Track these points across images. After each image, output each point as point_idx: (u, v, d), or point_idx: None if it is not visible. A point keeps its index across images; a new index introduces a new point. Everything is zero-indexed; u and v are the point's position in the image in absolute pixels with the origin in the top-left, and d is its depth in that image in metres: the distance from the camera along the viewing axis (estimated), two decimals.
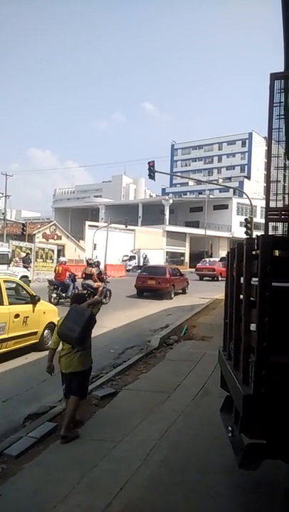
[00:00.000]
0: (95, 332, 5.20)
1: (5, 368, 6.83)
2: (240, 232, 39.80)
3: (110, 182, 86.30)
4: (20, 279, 12.45)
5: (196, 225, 59.09)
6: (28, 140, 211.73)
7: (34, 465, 3.79)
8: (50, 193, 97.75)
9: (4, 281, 7.45)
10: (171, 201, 61.93)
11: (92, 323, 4.65)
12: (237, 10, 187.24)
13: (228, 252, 3.57)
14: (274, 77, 5.77)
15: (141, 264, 40.96)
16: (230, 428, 2.88)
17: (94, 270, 15.15)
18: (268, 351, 2.32)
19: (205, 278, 28.86)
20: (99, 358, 6.17)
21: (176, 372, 6.66)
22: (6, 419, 4.86)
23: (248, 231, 20.55)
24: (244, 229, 21.96)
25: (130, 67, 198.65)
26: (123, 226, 45.05)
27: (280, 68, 7.15)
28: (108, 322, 10.34)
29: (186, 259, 54.27)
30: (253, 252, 2.58)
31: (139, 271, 22.84)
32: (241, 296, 2.74)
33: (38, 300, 8.13)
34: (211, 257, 50.92)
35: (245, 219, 22.29)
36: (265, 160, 8.21)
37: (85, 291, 13.82)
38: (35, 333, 7.97)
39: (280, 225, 6.24)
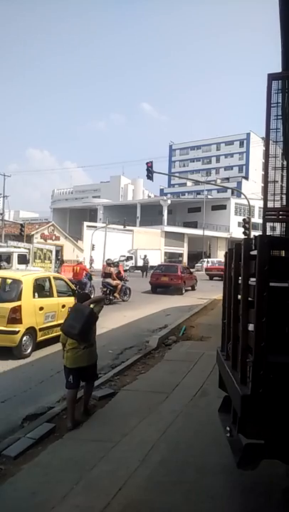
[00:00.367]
0: None
1: (3, 368, 6.82)
2: (238, 233, 39.84)
3: (108, 182, 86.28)
4: None
5: (194, 225, 59.17)
6: (26, 140, 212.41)
7: (32, 466, 3.79)
8: (48, 193, 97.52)
9: (54, 278, 9.14)
10: (169, 202, 62.00)
11: (93, 320, 4.89)
12: (235, 10, 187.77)
13: (226, 253, 3.58)
14: (272, 77, 5.77)
15: (139, 264, 40.90)
16: (228, 428, 2.88)
17: (113, 269, 16.06)
18: (265, 351, 2.33)
19: (215, 278, 29.96)
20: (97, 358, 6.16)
21: (174, 373, 6.66)
22: (5, 420, 4.85)
23: (246, 231, 20.58)
24: (242, 229, 22.00)
25: (129, 67, 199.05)
26: (121, 226, 45.03)
27: (278, 68, 7.17)
28: (107, 323, 10.32)
29: (185, 259, 54.29)
30: (251, 253, 2.59)
31: (137, 270, 24.38)
32: (239, 297, 2.75)
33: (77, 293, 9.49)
34: (210, 257, 51.05)
35: (244, 219, 22.33)
36: (263, 160, 8.22)
37: (105, 289, 15.36)
38: None
39: (277, 225, 6.24)
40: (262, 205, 6.11)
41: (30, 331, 7.69)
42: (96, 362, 5.15)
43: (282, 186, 6.22)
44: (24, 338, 7.50)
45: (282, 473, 3.22)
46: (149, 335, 9.76)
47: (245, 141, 78.20)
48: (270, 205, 5.86)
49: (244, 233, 20.67)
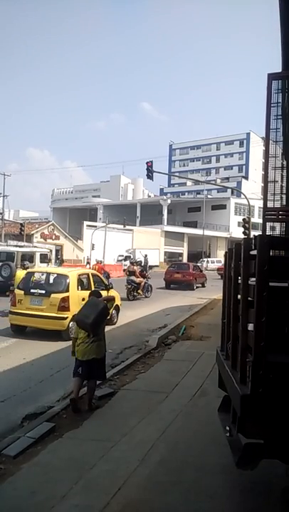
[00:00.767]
0: None
1: (3, 368, 6.83)
2: (238, 233, 39.83)
3: (108, 182, 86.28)
4: None
5: (194, 225, 59.18)
6: (26, 140, 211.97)
7: (32, 465, 3.79)
8: (48, 193, 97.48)
9: (91, 274, 10.77)
10: (169, 201, 62.04)
11: (105, 314, 5.40)
12: (235, 11, 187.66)
13: (225, 252, 3.58)
14: (272, 77, 5.77)
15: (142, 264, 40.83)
16: (228, 428, 2.88)
17: (136, 268, 17.77)
18: (265, 351, 2.33)
19: None
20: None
21: (174, 372, 6.66)
22: (4, 419, 4.85)
23: (246, 231, 20.58)
24: (242, 229, 21.99)
25: (129, 67, 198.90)
26: (121, 226, 45.03)
27: (278, 68, 7.17)
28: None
29: (184, 259, 54.32)
30: (251, 252, 2.59)
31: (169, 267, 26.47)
32: (239, 296, 2.75)
33: (111, 287, 10.85)
34: (209, 257, 51.07)
35: (243, 219, 22.33)
36: (263, 160, 8.21)
37: (129, 286, 16.80)
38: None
39: (277, 225, 6.24)
40: (262, 205, 6.12)
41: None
42: (104, 357, 5.40)
43: (282, 186, 6.22)
44: (71, 323, 8.55)
45: (282, 472, 3.23)
46: (148, 334, 9.76)
47: (245, 141, 78.20)
48: (269, 204, 5.86)
49: (244, 233, 20.67)
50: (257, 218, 35.99)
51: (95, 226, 46.92)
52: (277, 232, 6.22)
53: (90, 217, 62.25)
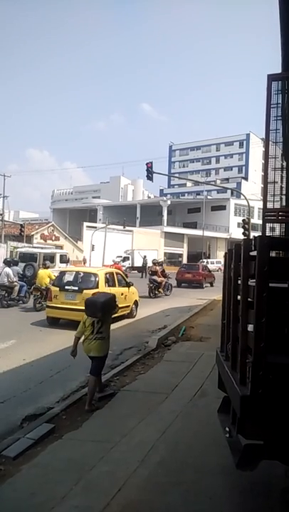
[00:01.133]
0: None
1: (2, 369, 6.82)
2: (237, 233, 39.78)
3: (108, 183, 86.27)
4: None
5: (193, 226, 59.18)
6: (26, 141, 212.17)
7: (32, 466, 3.78)
8: (48, 193, 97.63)
9: (115, 273, 12.19)
10: (169, 202, 61.99)
11: (114, 302, 5.81)
12: (235, 12, 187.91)
13: (225, 253, 3.57)
14: (271, 78, 5.78)
15: (136, 264, 40.77)
16: (227, 429, 2.88)
17: (158, 268, 18.86)
18: (265, 352, 2.33)
19: None
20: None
21: (173, 373, 6.66)
22: (4, 420, 4.85)
23: (246, 232, 20.60)
24: (242, 230, 22.00)
25: (129, 68, 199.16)
26: (121, 227, 44.98)
27: (278, 69, 7.18)
28: None
29: (184, 260, 54.28)
30: (251, 253, 2.59)
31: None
32: (239, 297, 2.75)
33: (132, 285, 12.61)
34: (209, 257, 51.03)
35: (243, 220, 22.36)
36: (263, 161, 8.22)
37: (151, 285, 18.17)
38: (128, 306, 12.33)
39: (277, 226, 6.25)
40: (261, 206, 6.12)
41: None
42: (105, 357, 5.55)
43: (281, 187, 6.23)
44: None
45: (281, 473, 3.23)
46: (148, 335, 9.76)
47: (244, 142, 78.24)
48: (269, 205, 5.87)
49: (244, 234, 20.69)
50: (257, 219, 35.99)
51: (95, 227, 46.87)
52: (277, 233, 6.22)
53: (90, 218, 62.20)
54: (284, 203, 6.30)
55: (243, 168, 78.61)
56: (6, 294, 13.98)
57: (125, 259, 43.80)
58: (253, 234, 17.64)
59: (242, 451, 2.49)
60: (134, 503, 3.19)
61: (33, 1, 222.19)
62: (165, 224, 58.28)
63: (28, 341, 8.91)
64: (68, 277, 11.19)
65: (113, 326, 10.54)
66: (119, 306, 10.49)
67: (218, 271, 27.26)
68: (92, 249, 39.53)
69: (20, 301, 14.32)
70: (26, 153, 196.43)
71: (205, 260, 47.19)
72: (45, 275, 13.46)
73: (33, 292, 13.57)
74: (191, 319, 11.90)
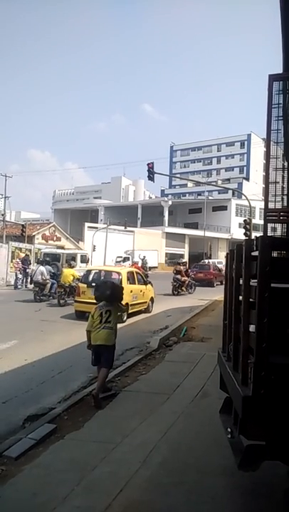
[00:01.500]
0: None
1: (4, 369, 6.83)
2: (239, 234, 39.86)
3: (109, 183, 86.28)
4: None
5: (195, 226, 59.11)
6: (27, 141, 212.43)
7: (33, 466, 3.78)
8: (49, 194, 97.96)
9: (136, 272, 13.82)
10: (170, 202, 61.95)
11: (121, 288, 6.38)
12: (236, 11, 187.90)
13: (227, 254, 3.57)
14: (273, 78, 5.77)
15: (139, 265, 40.74)
16: (229, 429, 2.87)
17: (182, 268, 20.09)
18: (267, 352, 2.33)
19: None
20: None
21: (175, 374, 6.66)
22: (6, 420, 4.86)
23: (247, 232, 20.60)
24: (243, 230, 22.02)
25: (130, 68, 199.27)
26: (122, 227, 44.99)
27: (279, 69, 7.17)
28: None
29: (185, 260, 54.20)
30: (252, 254, 2.59)
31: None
32: (240, 298, 2.74)
33: (149, 283, 14.24)
34: (210, 258, 50.97)
35: (244, 220, 22.36)
36: (264, 161, 8.22)
37: (175, 283, 19.37)
38: (146, 302, 13.71)
39: (278, 226, 6.23)
40: (263, 206, 6.11)
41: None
42: (113, 346, 5.79)
43: (283, 187, 6.21)
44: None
45: (283, 474, 3.21)
46: (150, 336, 9.76)
47: (246, 142, 78.20)
48: (271, 206, 5.85)
49: (245, 234, 20.70)
50: (258, 219, 36.00)
51: (96, 227, 46.85)
52: (279, 233, 6.20)
53: (91, 219, 62.19)
54: (285, 203, 6.28)
55: (244, 168, 78.56)
56: (40, 291, 15.66)
57: (125, 259, 43.80)
58: (255, 234, 17.68)
59: (244, 451, 2.49)
60: (136, 504, 3.19)
61: (34, 1, 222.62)
62: (166, 224, 58.26)
63: (29, 341, 8.92)
64: (94, 275, 12.65)
65: (130, 320, 11.93)
66: (138, 301, 12.84)
67: (219, 271, 27.24)
68: (94, 250, 39.52)
69: (51, 297, 15.85)
70: (28, 154, 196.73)
71: (206, 261, 47.19)
72: (70, 274, 14.85)
73: (58, 289, 14.95)
74: (193, 320, 11.89)
